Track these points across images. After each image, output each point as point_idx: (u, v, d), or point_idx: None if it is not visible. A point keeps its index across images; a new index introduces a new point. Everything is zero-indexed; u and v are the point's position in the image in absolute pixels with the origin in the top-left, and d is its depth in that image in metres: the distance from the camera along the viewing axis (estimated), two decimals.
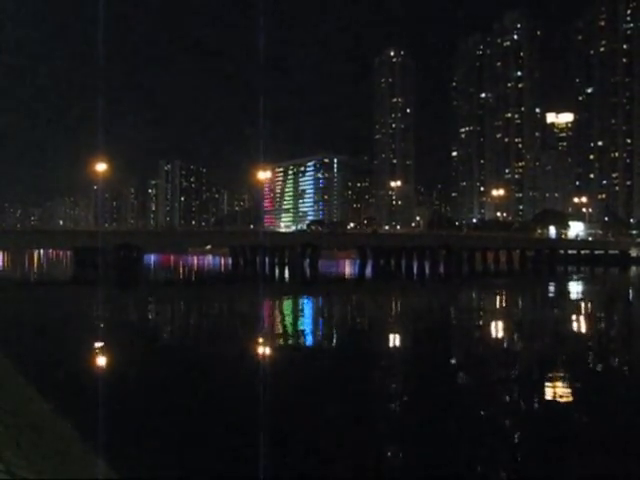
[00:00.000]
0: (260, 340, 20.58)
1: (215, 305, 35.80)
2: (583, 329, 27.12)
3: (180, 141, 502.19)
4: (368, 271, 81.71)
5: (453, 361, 18.41)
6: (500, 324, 27.55)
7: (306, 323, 26.92)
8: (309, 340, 21.62)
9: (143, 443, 9.75)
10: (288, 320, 27.75)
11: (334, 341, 21.87)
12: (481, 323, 28.06)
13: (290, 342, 20.48)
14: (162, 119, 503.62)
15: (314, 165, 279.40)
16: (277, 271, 77.10)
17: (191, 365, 16.37)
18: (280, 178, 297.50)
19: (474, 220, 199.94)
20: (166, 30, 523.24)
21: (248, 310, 31.94)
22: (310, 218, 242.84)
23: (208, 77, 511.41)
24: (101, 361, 17.32)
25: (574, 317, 31.37)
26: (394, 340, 22.37)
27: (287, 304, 35.87)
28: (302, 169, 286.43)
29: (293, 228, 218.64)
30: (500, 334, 24.70)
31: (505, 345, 21.80)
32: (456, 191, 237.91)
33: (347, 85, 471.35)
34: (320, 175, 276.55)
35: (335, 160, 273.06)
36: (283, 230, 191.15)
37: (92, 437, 8.87)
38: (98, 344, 19.42)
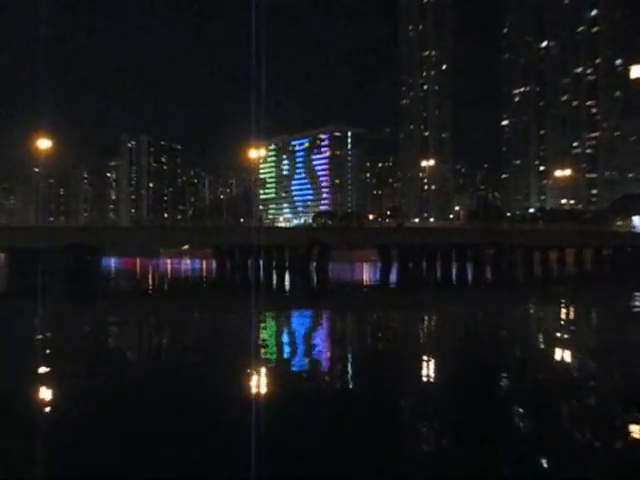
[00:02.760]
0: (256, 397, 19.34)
1: (193, 330, 35.28)
2: None
3: (147, 111, 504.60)
4: (393, 277, 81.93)
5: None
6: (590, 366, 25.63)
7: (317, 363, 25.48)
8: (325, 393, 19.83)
9: None
10: (291, 359, 26.22)
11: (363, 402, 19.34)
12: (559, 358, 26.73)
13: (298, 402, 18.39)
14: (125, 82, 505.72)
15: (323, 140, 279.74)
16: (275, 278, 77.23)
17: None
18: (276, 158, 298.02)
19: (531, 210, 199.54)
20: None
21: (238, 340, 30.31)
22: (319, 209, 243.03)
23: (185, 25, 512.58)
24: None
25: None
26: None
27: (288, 328, 35.47)
28: (307, 146, 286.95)
29: (295, 222, 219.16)
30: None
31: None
32: (507, 172, 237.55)
33: (364, 36, 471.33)
34: (330, 153, 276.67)
35: (349, 133, 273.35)
36: (282, 225, 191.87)
37: None
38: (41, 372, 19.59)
